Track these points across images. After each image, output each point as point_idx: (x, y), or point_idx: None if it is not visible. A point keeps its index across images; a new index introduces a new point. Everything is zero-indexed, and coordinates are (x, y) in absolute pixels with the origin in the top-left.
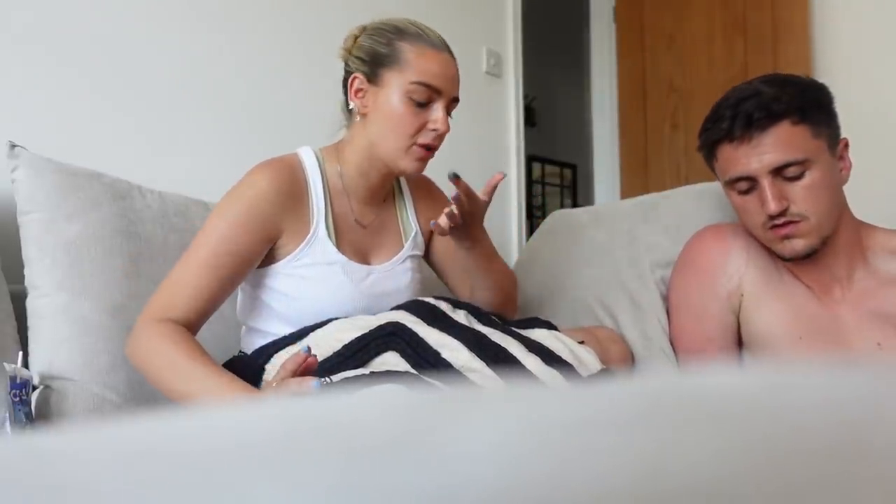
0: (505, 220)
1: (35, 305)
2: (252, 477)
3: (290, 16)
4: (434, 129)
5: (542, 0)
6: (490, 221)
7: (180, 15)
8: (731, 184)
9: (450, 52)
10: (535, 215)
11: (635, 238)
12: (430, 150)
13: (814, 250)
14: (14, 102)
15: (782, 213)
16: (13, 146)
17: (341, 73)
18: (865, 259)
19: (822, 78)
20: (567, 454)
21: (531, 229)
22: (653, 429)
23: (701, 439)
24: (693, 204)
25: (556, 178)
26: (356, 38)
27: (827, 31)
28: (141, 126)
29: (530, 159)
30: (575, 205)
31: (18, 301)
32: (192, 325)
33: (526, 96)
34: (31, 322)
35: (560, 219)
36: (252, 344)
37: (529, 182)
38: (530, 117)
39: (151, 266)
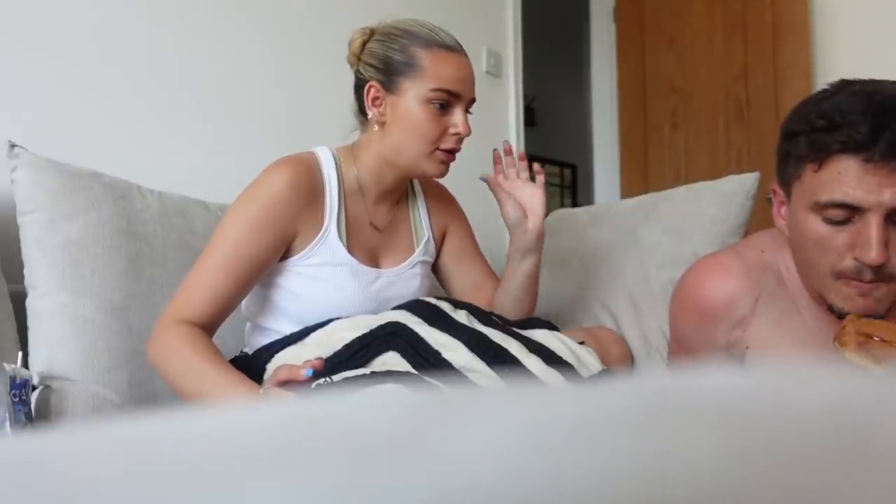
0: None
1: (35, 305)
2: (252, 477)
3: (291, 16)
4: (456, 134)
5: (542, 0)
6: (490, 221)
7: (180, 15)
8: (825, 207)
9: (464, 52)
10: None
11: (636, 238)
12: (453, 153)
13: (882, 316)
14: (14, 102)
15: (876, 269)
16: (13, 146)
17: (343, 74)
18: None
19: (822, 78)
20: (568, 455)
21: None
22: (654, 430)
23: (703, 441)
24: (693, 203)
25: (556, 178)
26: (364, 42)
27: (827, 31)
28: (141, 126)
29: (530, 159)
30: (575, 205)
31: (18, 301)
32: (209, 327)
33: (526, 96)
34: (31, 322)
35: (560, 219)
36: (256, 341)
37: None
38: (530, 117)
39: (151, 266)
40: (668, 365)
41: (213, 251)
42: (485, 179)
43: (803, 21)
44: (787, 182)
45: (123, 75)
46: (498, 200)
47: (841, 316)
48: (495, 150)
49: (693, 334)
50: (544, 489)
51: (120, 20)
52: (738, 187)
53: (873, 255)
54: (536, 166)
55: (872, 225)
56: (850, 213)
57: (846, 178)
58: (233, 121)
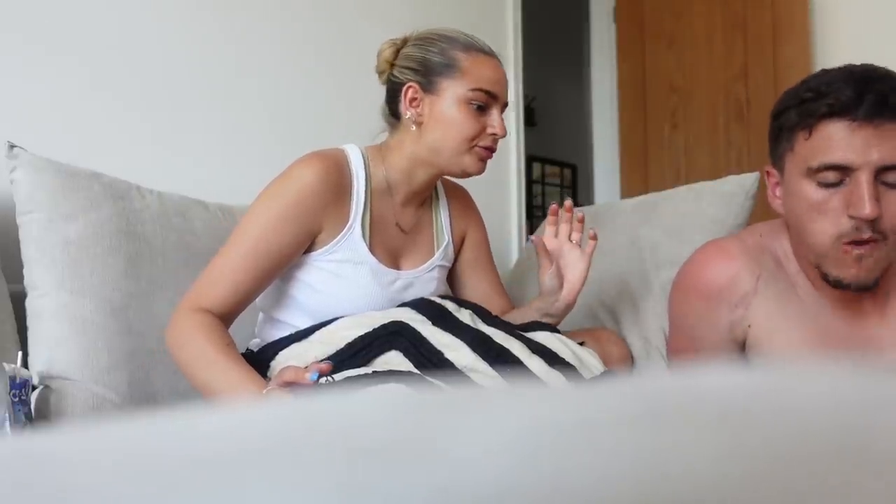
0: (505, 220)
1: (34, 305)
2: (253, 477)
3: (293, 18)
4: (493, 134)
5: (542, 0)
6: (490, 221)
7: (182, 15)
8: (818, 171)
9: (498, 57)
10: (535, 215)
11: (636, 238)
12: (490, 151)
13: (867, 288)
14: (14, 102)
15: (871, 224)
16: (12, 146)
17: (344, 76)
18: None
19: None
20: (568, 455)
21: (531, 229)
22: (654, 430)
23: (702, 441)
24: (693, 203)
25: (556, 178)
26: (398, 50)
27: (827, 31)
28: (141, 126)
29: (530, 159)
30: (575, 205)
31: (18, 301)
32: (227, 317)
33: (526, 96)
34: (31, 322)
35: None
36: (268, 334)
37: (529, 182)
38: (530, 117)
39: (151, 266)
40: (669, 358)
41: (238, 242)
42: (533, 242)
43: (803, 21)
44: (780, 157)
45: (123, 75)
46: (539, 263)
47: (837, 285)
48: (553, 204)
49: (696, 321)
50: (545, 489)
51: (120, 20)
52: (738, 187)
53: (867, 209)
54: (591, 231)
55: (863, 182)
56: (842, 174)
57: (835, 140)
58: (233, 121)
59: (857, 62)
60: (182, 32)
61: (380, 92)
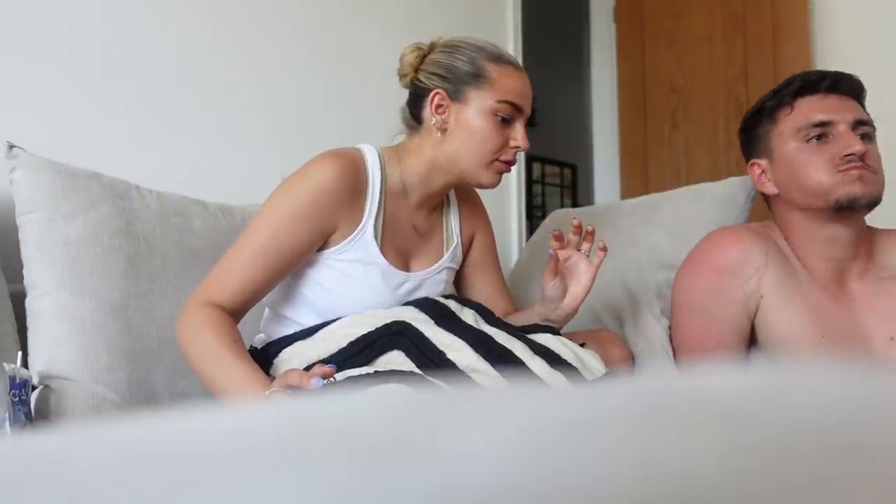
0: (505, 220)
1: (34, 305)
2: (253, 477)
3: (290, 17)
4: (515, 147)
5: (542, 0)
6: (498, 230)
7: (180, 16)
8: (807, 130)
9: (524, 70)
10: (535, 215)
11: (636, 238)
12: (509, 165)
13: (873, 204)
14: (14, 102)
15: (861, 159)
16: (11, 147)
17: (343, 76)
18: (873, 257)
19: None
20: (568, 455)
21: (531, 229)
22: (654, 429)
23: (702, 440)
24: (693, 204)
25: (556, 178)
26: (423, 55)
27: (827, 31)
28: (141, 126)
29: (530, 159)
30: (575, 205)
31: (18, 301)
32: (237, 312)
33: None
34: (31, 322)
35: (560, 219)
36: (274, 330)
37: (529, 182)
38: (530, 117)
39: (150, 266)
40: (678, 350)
41: (251, 238)
42: (551, 253)
43: (803, 21)
44: (765, 142)
45: (123, 76)
46: (546, 269)
47: (851, 205)
48: (556, 230)
49: (710, 299)
50: (545, 488)
51: (119, 20)
52: (739, 188)
53: (857, 146)
54: (601, 243)
55: (844, 130)
56: (826, 129)
57: (813, 107)
58: (232, 121)
59: (857, 62)
60: (181, 32)
61: (379, 92)
